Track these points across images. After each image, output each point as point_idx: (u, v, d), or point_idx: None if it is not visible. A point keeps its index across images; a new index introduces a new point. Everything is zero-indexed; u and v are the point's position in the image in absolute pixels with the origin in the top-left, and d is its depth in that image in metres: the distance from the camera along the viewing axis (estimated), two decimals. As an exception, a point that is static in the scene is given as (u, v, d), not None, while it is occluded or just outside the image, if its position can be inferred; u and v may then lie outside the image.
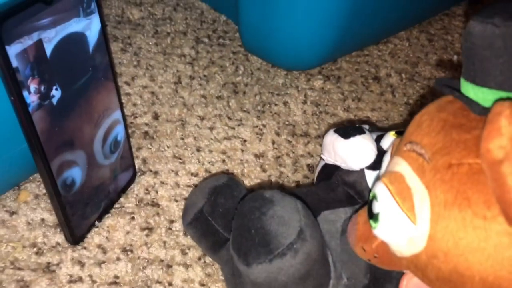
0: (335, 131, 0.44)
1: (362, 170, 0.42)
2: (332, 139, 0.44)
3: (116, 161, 0.46)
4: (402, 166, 0.31)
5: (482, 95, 0.28)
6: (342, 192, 0.43)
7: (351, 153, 0.42)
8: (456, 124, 0.29)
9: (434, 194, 0.28)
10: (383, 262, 0.35)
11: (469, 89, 0.29)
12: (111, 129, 0.44)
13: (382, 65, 0.70)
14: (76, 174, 0.41)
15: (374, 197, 0.32)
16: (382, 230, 0.31)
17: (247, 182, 0.53)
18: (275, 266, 0.34)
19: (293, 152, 0.57)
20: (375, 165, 0.42)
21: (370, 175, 0.42)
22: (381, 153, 0.42)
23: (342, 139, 0.43)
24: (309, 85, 0.65)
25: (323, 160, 0.46)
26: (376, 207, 0.31)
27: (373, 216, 0.32)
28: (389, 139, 0.42)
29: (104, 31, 0.41)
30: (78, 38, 0.38)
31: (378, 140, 0.43)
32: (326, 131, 0.48)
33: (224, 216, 0.42)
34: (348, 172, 0.43)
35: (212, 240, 0.42)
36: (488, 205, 0.26)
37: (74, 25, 0.37)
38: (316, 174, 0.48)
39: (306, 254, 0.35)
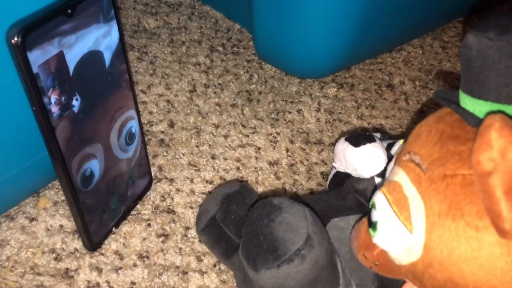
0: (346, 139, 0.45)
1: (372, 178, 0.43)
2: (343, 147, 0.45)
3: (132, 159, 0.47)
4: (400, 176, 0.31)
5: (478, 107, 0.29)
6: (353, 199, 0.44)
7: (362, 161, 0.43)
8: (452, 135, 0.30)
9: (429, 204, 0.29)
10: (383, 270, 0.35)
11: (467, 101, 0.29)
12: (125, 123, 0.45)
13: (395, 72, 0.70)
14: (94, 166, 0.42)
15: (373, 206, 0.32)
16: (381, 239, 0.32)
17: (261, 190, 0.53)
18: (283, 271, 0.35)
19: (307, 160, 0.57)
20: (386, 173, 0.42)
21: (381, 184, 0.42)
22: (391, 161, 0.42)
23: (352, 147, 0.44)
24: (323, 93, 0.66)
25: (335, 168, 0.47)
26: (375, 216, 0.32)
27: (372, 224, 0.32)
28: (399, 148, 0.42)
29: (122, 37, 0.42)
30: (97, 51, 0.39)
31: (389, 148, 0.44)
32: (338, 139, 0.49)
33: (236, 223, 0.42)
34: (359, 179, 0.44)
35: (224, 246, 0.43)
36: (480, 216, 0.27)
37: (95, 32, 0.38)
38: (328, 182, 0.49)
39: (313, 260, 0.35)
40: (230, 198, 0.44)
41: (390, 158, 0.43)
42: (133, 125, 0.46)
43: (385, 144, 0.44)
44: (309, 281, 0.36)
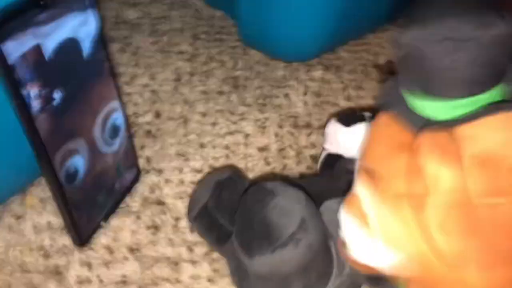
0: (337, 120, 0.44)
1: None
2: (334, 129, 0.44)
3: (118, 153, 0.46)
4: (358, 187, 0.31)
5: (429, 105, 0.28)
6: (346, 181, 0.43)
7: (353, 140, 0.42)
8: (400, 143, 0.29)
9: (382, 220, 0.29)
10: (364, 269, 0.35)
11: (415, 101, 0.29)
12: (109, 115, 0.44)
13: (381, 52, 0.70)
14: (78, 162, 0.41)
15: (340, 220, 0.32)
16: (357, 255, 0.31)
17: (251, 176, 0.53)
18: (277, 257, 0.34)
19: (296, 144, 0.56)
20: None
21: None
22: None
23: (344, 127, 0.43)
24: (309, 76, 0.65)
25: (326, 150, 0.46)
26: (344, 236, 0.31)
27: (345, 244, 0.32)
28: None
29: (100, 26, 0.41)
30: (74, 41, 0.38)
31: None
32: (328, 120, 0.48)
33: (228, 210, 0.42)
34: (351, 160, 0.43)
35: (217, 234, 0.42)
36: None
37: (71, 21, 0.37)
38: (319, 165, 0.48)
39: (308, 244, 0.35)
40: (222, 185, 0.43)
41: None
42: (118, 117, 0.45)
43: None
44: (303, 265, 0.35)
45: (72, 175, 0.41)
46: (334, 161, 0.45)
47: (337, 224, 0.40)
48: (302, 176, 0.53)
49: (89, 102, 0.41)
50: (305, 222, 0.35)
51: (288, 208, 0.36)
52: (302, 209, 0.36)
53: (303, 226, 0.35)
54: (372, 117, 0.45)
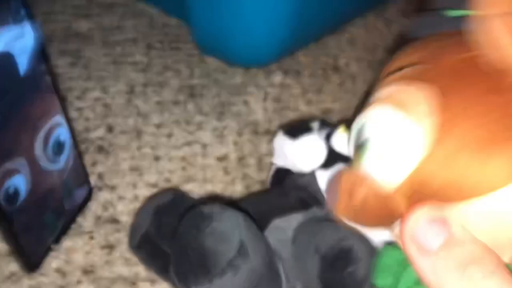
0: (284, 133, 0.42)
1: (313, 172, 0.40)
2: (281, 141, 0.42)
3: (65, 170, 0.44)
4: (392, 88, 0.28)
5: None
6: (295, 196, 0.41)
7: (299, 154, 0.40)
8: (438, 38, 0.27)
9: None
10: (369, 215, 0.31)
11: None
12: (51, 131, 0.41)
13: (340, 54, 0.69)
14: (19, 182, 0.39)
15: (362, 125, 0.28)
16: (375, 156, 0.28)
17: (210, 187, 0.51)
18: (216, 286, 0.32)
19: (256, 152, 0.55)
20: (326, 164, 0.40)
21: (322, 176, 0.40)
22: (331, 152, 0.40)
23: (289, 140, 0.41)
24: (268, 81, 0.63)
25: (274, 164, 0.45)
26: (365, 133, 0.28)
27: (360, 147, 0.28)
28: (339, 137, 0.40)
29: (38, 38, 0.38)
30: (8, 55, 0.36)
31: (328, 137, 0.41)
32: (279, 128, 0.47)
33: (170, 236, 0.39)
34: (300, 175, 0.41)
35: (160, 263, 0.40)
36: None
37: (4, 35, 0.35)
38: (269, 180, 0.46)
39: (248, 270, 0.33)
40: (162, 210, 0.40)
41: (330, 148, 0.41)
42: (61, 133, 0.43)
43: (323, 133, 0.42)
44: None
45: (12, 196, 0.38)
46: (283, 176, 0.43)
47: (285, 243, 0.38)
48: (250, 194, 0.51)
49: (28, 119, 0.39)
50: (245, 246, 0.33)
51: (226, 233, 0.33)
52: (240, 233, 0.33)
53: (242, 251, 0.33)
54: (322, 125, 0.43)
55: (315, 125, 0.43)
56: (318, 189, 0.40)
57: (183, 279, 0.33)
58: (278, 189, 0.43)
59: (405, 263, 0.29)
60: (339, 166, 0.39)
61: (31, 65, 0.38)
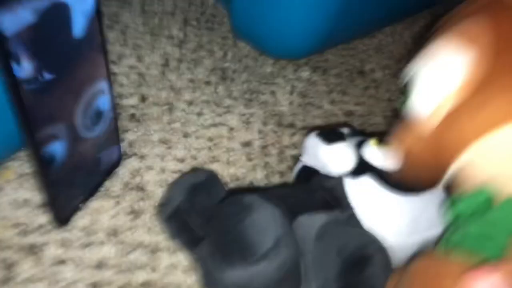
0: (318, 135, 0.45)
1: (341, 177, 0.43)
2: (314, 143, 0.45)
3: (100, 137, 0.45)
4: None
5: None
6: (320, 197, 0.43)
7: (332, 159, 0.43)
8: None
9: None
10: (412, 160, 0.34)
11: None
12: (93, 99, 0.43)
13: (367, 59, 0.71)
14: (57, 149, 0.40)
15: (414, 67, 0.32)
16: (421, 90, 0.31)
17: (232, 170, 0.53)
18: (249, 273, 0.35)
19: (279, 143, 0.57)
20: (354, 173, 0.43)
21: (348, 183, 0.43)
22: (361, 160, 0.42)
23: (324, 144, 0.44)
24: (296, 75, 0.65)
25: (302, 162, 0.47)
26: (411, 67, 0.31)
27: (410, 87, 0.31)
28: (369, 149, 0.42)
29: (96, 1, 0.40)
30: (68, 15, 0.37)
31: (358, 146, 0.44)
32: (309, 132, 0.49)
33: (200, 214, 0.42)
34: (327, 177, 0.44)
35: (187, 237, 0.42)
36: None
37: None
38: (294, 175, 0.49)
39: (280, 262, 0.35)
40: (196, 188, 0.43)
41: (359, 157, 0.43)
42: (103, 101, 0.44)
43: (354, 141, 0.45)
44: (274, 283, 0.36)
45: (50, 161, 0.40)
46: (310, 174, 0.46)
47: (307, 241, 0.41)
48: (277, 186, 0.53)
49: (74, 82, 0.40)
50: (280, 240, 0.36)
51: (264, 225, 0.36)
52: (277, 227, 0.36)
53: (278, 244, 0.35)
54: (353, 133, 0.46)
55: (345, 131, 0.46)
56: (343, 194, 0.43)
57: (219, 261, 0.36)
58: (305, 187, 0.45)
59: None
60: (366, 177, 0.42)
61: (88, 26, 0.39)
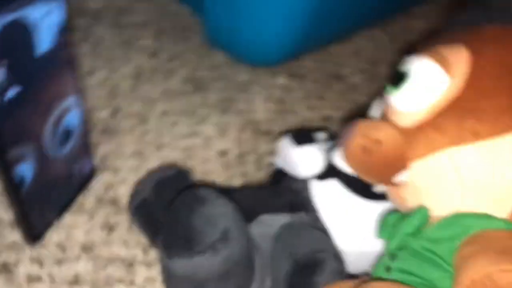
0: (288, 137, 0.45)
1: (308, 180, 0.43)
2: (285, 145, 0.45)
3: (71, 154, 0.45)
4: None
5: None
6: (286, 199, 0.44)
7: (299, 161, 0.43)
8: None
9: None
10: (380, 160, 0.34)
11: None
12: (62, 116, 0.42)
13: (344, 63, 0.70)
14: (26, 169, 0.39)
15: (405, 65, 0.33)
16: (410, 89, 0.33)
17: (209, 181, 0.52)
18: (195, 262, 0.36)
19: (256, 150, 0.56)
20: (322, 176, 0.43)
21: (315, 186, 0.43)
22: (329, 164, 0.42)
23: (293, 146, 0.44)
24: (273, 82, 0.65)
25: (276, 164, 0.47)
26: (408, 70, 0.33)
27: (399, 78, 0.33)
28: (338, 153, 0.42)
29: (64, 17, 0.40)
30: (28, 25, 0.36)
31: (330, 150, 0.44)
32: (287, 131, 0.49)
33: (165, 208, 0.42)
34: (295, 179, 0.44)
35: (152, 229, 0.43)
36: None
37: (33, 11, 0.36)
38: (270, 177, 0.49)
39: (226, 255, 0.36)
40: (164, 182, 0.44)
41: (329, 162, 0.43)
42: (73, 117, 0.43)
43: (329, 145, 0.44)
44: (220, 274, 0.36)
45: (19, 181, 0.39)
46: (281, 176, 0.46)
47: (266, 239, 0.41)
48: (246, 186, 0.53)
49: (43, 99, 0.39)
50: (228, 233, 0.36)
51: (214, 218, 0.37)
52: (227, 220, 0.37)
53: (226, 237, 0.36)
54: (331, 137, 0.45)
55: (322, 135, 0.45)
56: (309, 197, 0.43)
57: (168, 250, 0.37)
58: (273, 188, 0.46)
59: (401, 219, 0.34)
60: (333, 181, 0.42)
61: (55, 42, 0.39)
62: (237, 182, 0.53)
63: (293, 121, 0.61)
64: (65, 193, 0.46)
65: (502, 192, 0.31)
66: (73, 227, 0.46)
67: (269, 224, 0.41)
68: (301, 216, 0.41)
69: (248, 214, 0.40)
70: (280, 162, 0.46)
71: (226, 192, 0.41)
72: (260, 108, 0.61)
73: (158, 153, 0.53)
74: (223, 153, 0.55)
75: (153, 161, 0.52)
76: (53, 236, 0.45)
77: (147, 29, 0.66)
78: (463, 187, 0.32)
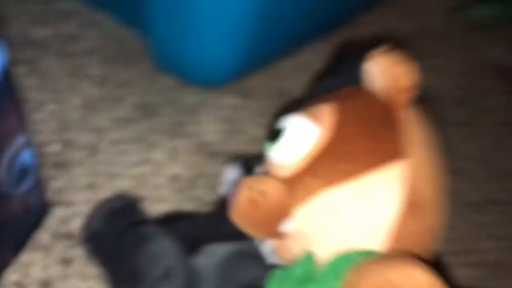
0: (233, 165, 0.48)
1: None
2: (228, 174, 0.48)
3: (27, 192, 0.45)
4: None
5: None
6: (230, 227, 0.45)
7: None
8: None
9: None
10: (265, 213, 0.37)
11: None
12: (16, 155, 0.43)
13: (291, 79, 0.72)
14: None
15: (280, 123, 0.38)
16: (286, 142, 0.37)
17: (162, 207, 0.54)
18: None
19: (207, 173, 0.58)
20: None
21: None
22: None
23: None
24: (221, 102, 0.66)
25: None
26: (282, 122, 0.38)
27: (275, 135, 0.38)
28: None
29: (5, 58, 0.40)
30: None
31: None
32: (232, 158, 0.51)
33: (116, 238, 0.44)
34: None
35: (103, 259, 0.45)
36: None
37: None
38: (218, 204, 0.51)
39: None
40: (114, 213, 0.46)
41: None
42: (26, 158, 0.44)
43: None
44: None
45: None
46: (226, 204, 0.48)
47: (210, 269, 0.42)
48: (192, 214, 0.54)
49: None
50: (170, 270, 0.38)
51: (156, 256, 0.39)
52: (170, 258, 0.39)
53: (167, 275, 0.38)
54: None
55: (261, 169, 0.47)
56: None
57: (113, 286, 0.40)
58: (218, 216, 0.47)
59: (289, 271, 0.37)
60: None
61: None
62: (189, 206, 0.54)
63: (241, 140, 0.62)
64: (21, 231, 0.47)
65: (374, 225, 0.35)
66: (30, 265, 0.47)
67: (212, 255, 0.43)
68: (242, 245, 0.43)
69: (193, 244, 0.42)
70: (224, 189, 0.48)
71: (173, 221, 0.43)
72: (210, 130, 0.63)
73: (110, 183, 0.54)
74: (174, 178, 0.57)
75: (106, 192, 0.53)
76: (11, 275, 0.45)
77: (94, 57, 0.67)
78: (342, 226, 0.35)
